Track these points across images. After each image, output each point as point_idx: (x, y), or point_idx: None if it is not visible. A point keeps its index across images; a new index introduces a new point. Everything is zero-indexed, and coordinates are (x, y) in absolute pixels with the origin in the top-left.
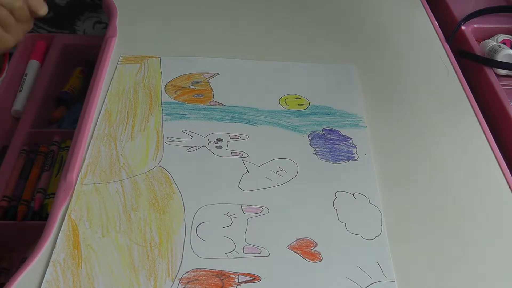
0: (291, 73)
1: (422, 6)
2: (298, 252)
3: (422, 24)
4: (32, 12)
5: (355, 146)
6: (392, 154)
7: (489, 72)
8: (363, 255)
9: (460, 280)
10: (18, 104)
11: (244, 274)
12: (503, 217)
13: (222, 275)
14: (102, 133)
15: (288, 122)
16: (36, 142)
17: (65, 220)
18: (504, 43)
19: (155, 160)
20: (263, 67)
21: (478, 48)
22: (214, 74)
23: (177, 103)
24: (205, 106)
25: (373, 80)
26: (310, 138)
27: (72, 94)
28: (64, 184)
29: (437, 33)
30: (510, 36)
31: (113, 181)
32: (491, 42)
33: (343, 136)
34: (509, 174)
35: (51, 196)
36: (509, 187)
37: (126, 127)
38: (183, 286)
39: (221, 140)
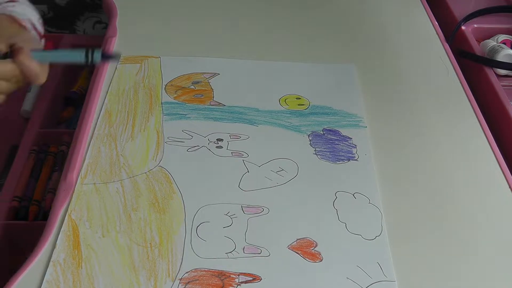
0: (291, 73)
1: (422, 6)
2: (299, 252)
3: (422, 24)
4: (26, 78)
5: (355, 146)
6: (392, 154)
7: (489, 72)
8: (364, 255)
9: (460, 279)
10: (27, 104)
11: (244, 274)
12: (503, 217)
13: (222, 275)
14: (102, 133)
15: (288, 122)
16: (46, 142)
17: (65, 220)
18: (504, 43)
19: (155, 160)
20: (263, 67)
21: (478, 48)
22: (214, 74)
23: (177, 103)
24: (205, 106)
25: (373, 80)
26: (310, 138)
27: (81, 94)
28: (64, 184)
29: (437, 33)
30: (510, 36)
31: (113, 181)
32: (491, 42)
33: (343, 136)
34: (509, 173)
35: None
36: (509, 186)
37: (126, 127)
38: (184, 286)
39: (221, 140)
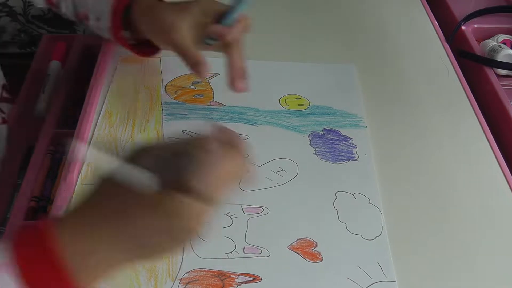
0: (291, 73)
1: (422, 6)
2: (299, 252)
3: (422, 24)
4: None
5: (355, 146)
6: (392, 154)
7: (489, 72)
8: (364, 255)
9: (460, 279)
10: (41, 105)
11: (244, 274)
12: (503, 217)
13: (222, 275)
14: (103, 133)
15: (288, 122)
16: (61, 142)
17: None
18: (504, 43)
19: None
20: (263, 67)
21: (478, 48)
22: (214, 74)
23: (177, 103)
24: (205, 106)
25: (373, 80)
26: (310, 138)
27: None
28: (64, 184)
29: (437, 33)
30: (510, 36)
31: None
32: (491, 42)
33: (343, 136)
34: (509, 173)
35: None
36: (509, 186)
37: (126, 127)
38: (184, 286)
39: None
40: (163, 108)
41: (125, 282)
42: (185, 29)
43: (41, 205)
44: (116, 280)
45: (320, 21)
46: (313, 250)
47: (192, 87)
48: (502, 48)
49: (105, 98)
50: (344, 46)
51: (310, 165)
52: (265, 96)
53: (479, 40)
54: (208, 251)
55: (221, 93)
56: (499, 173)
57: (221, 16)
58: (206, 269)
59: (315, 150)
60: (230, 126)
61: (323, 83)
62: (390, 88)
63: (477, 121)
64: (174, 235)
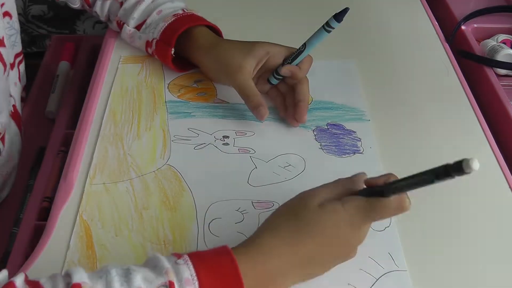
0: None
1: (422, 6)
2: None
3: (422, 24)
4: None
5: (359, 140)
6: (396, 147)
7: (489, 72)
8: (375, 246)
9: (469, 266)
10: (52, 105)
11: None
12: (503, 217)
13: None
14: (108, 132)
15: None
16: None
17: (77, 221)
18: (504, 43)
19: (163, 159)
20: None
21: (478, 48)
22: None
23: (181, 101)
24: (209, 104)
25: (374, 79)
26: (315, 133)
27: None
28: (64, 184)
29: (437, 33)
30: (510, 36)
31: (123, 181)
32: (491, 42)
33: (347, 130)
34: (509, 173)
35: None
36: (509, 186)
37: (131, 126)
38: None
39: (227, 137)
40: (168, 106)
41: None
42: (250, 71)
43: None
44: None
45: (320, 20)
46: None
47: (195, 85)
48: (502, 48)
49: (107, 97)
50: (344, 45)
51: (316, 159)
52: None
53: (479, 40)
54: None
55: (224, 91)
56: (499, 173)
57: (286, 57)
58: None
59: (320, 145)
60: (235, 123)
61: (325, 79)
62: (390, 88)
63: (477, 121)
64: (352, 247)
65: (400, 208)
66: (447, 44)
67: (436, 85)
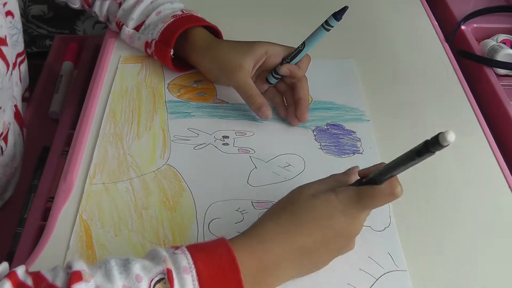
0: None
1: (422, 6)
2: None
3: (422, 24)
4: None
5: (359, 140)
6: (396, 147)
7: (489, 72)
8: (374, 246)
9: (469, 266)
10: (55, 105)
11: None
12: (502, 216)
13: None
14: (108, 132)
15: None
16: None
17: (77, 221)
18: (504, 43)
19: (163, 159)
20: None
21: (478, 48)
22: None
23: (181, 101)
24: (209, 104)
25: (373, 78)
26: (314, 133)
27: None
28: (64, 184)
29: (437, 33)
30: (510, 36)
31: (122, 181)
32: (491, 42)
33: (347, 130)
34: (509, 173)
35: None
36: (509, 186)
37: (131, 126)
38: None
39: (227, 137)
40: (167, 106)
41: None
42: (249, 70)
43: None
44: None
45: (320, 20)
46: None
47: (195, 85)
48: (502, 47)
49: (107, 97)
50: (344, 45)
51: (316, 159)
52: None
53: (479, 39)
54: None
55: (224, 91)
56: (499, 172)
57: (285, 56)
58: None
59: (320, 145)
60: (235, 123)
61: (324, 79)
62: (390, 87)
63: (477, 121)
64: (348, 238)
65: (392, 194)
66: (447, 44)
67: (436, 85)
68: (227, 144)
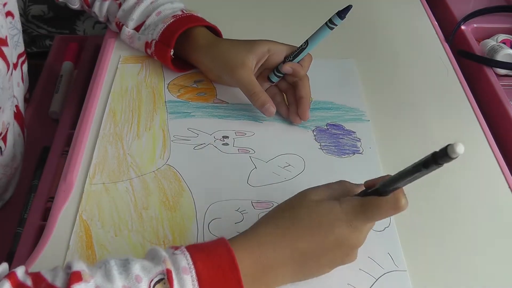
0: None
1: (422, 6)
2: None
3: (422, 24)
4: None
5: (359, 140)
6: (396, 147)
7: (489, 72)
8: (374, 246)
9: (469, 266)
10: (55, 105)
11: None
12: (503, 216)
13: None
14: (108, 132)
15: None
16: None
17: (77, 221)
18: (504, 43)
19: (163, 159)
20: None
21: (478, 48)
22: None
23: (181, 101)
24: (209, 104)
25: (373, 78)
26: (314, 133)
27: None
28: (64, 184)
29: (437, 33)
30: (510, 36)
31: (122, 181)
32: (491, 42)
33: (347, 130)
34: (509, 173)
35: None
36: (509, 186)
37: (131, 126)
38: None
39: (227, 137)
40: (167, 106)
41: None
42: (252, 68)
43: None
44: None
45: (320, 20)
46: None
47: (195, 85)
48: (502, 47)
49: (107, 97)
50: (344, 45)
51: (316, 159)
52: None
53: (479, 39)
54: None
55: (224, 91)
56: (499, 172)
57: (287, 55)
58: None
59: (320, 145)
60: (235, 123)
61: (324, 79)
62: (390, 87)
63: (477, 121)
64: (349, 248)
65: (397, 207)
66: (447, 44)
67: (436, 85)
68: (227, 144)
